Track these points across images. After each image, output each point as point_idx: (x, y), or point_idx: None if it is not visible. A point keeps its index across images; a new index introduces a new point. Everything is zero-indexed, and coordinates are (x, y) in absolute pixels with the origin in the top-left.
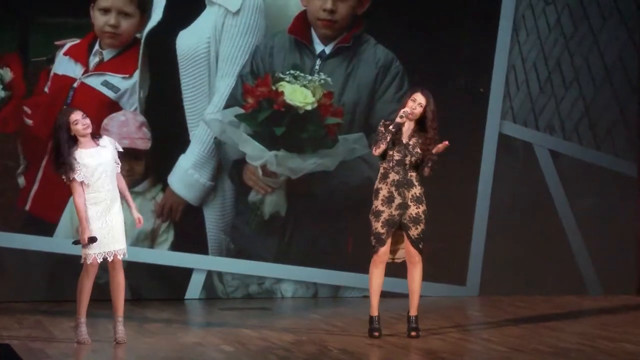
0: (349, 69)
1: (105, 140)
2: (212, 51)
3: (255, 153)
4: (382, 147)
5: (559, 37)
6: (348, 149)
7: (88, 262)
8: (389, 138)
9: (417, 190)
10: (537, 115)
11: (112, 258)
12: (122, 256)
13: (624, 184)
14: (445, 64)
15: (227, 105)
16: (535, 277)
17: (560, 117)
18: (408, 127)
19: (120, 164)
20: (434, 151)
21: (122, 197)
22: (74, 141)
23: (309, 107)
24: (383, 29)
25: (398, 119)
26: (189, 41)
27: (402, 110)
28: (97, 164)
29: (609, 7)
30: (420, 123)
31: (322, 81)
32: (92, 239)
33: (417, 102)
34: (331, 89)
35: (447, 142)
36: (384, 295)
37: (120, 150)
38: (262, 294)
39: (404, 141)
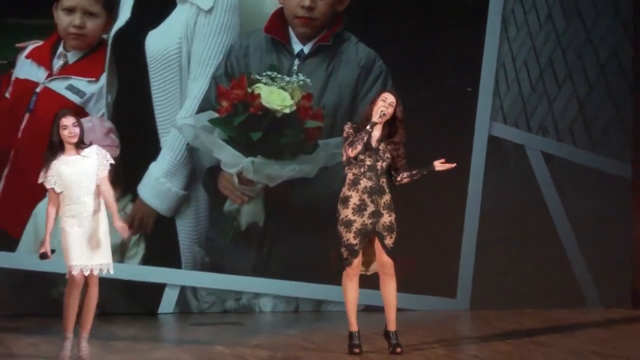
0: (329, 69)
1: (91, 150)
2: (184, 52)
3: (231, 160)
4: (359, 147)
5: (550, 32)
6: (329, 154)
7: (74, 273)
8: (365, 138)
9: (388, 197)
10: (529, 116)
11: (93, 272)
12: (106, 271)
13: (619, 186)
14: (431, 63)
15: (201, 109)
16: (528, 288)
17: (554, 117)
18: (378, 128)
19: (104, 175)
20: (436, 168)
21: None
22: (60, 145)
23: (287, 110)
24: (365, 26)
25: (376, 119)
26: (159, 42)
27: (380, 110)
28: (71, 173)
29: (603, 1)
30: (388, 126)
31: (301, 82)
32: (43, 255)
33: (387, 102)
34: (311, 90)
35: (454, 164)
36: (366, 309)
37: (111, 162)
38: (240, 309)
39: (374, 145)
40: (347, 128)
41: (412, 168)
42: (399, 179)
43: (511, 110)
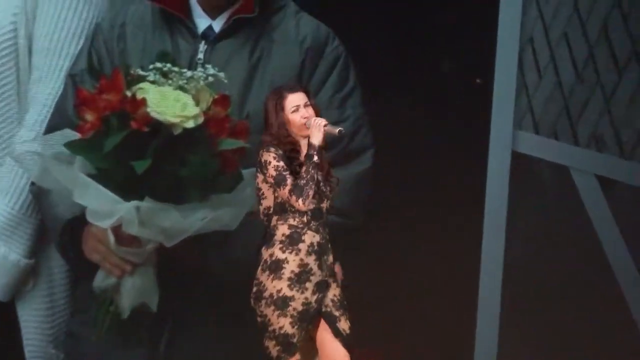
0: (255, 57)
1: None
2: (22, 37)
3: (103, 207)
4: (312, 192)
5: None
6: None
7: None
8: (316, 176)
9: (331, 255)
10: (575, 121)
11: None
12: None
13: None
14: (421, 45)
15: (51, 128)
16: None
17: (614, 123)
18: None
19: None
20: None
21: None
22: None
23: (190, 124)
24: None
25: (317, 139)
26: None
27: (325, 127)
28: None
29: None
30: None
31: (211, 79)
32: None
33: (301, 106)
34: (227, 91)
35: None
36: None
37: None
38: None
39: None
40: (273, 156)
41: None
42: None
43: (546, 112)
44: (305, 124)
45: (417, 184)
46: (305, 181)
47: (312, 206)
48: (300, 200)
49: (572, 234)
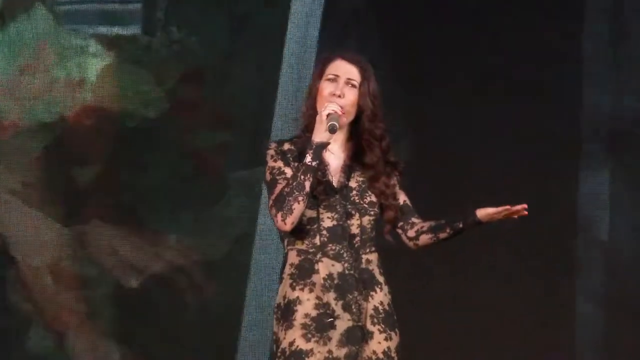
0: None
1: None
2: None
3: None
4: (301, 206)
5: None
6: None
7: None
8: (307, 184)
9: (382, 291)
10: None
11: None
12: None
13: None
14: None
15: None
16: None
17: None
18: (339, 146)
19: None
20: (485, 219)
21: None
22: None
23: (149, 112)
24: None
25: (322, 134)
26: None
27: (328, 109)
28: None
29: None
30: (356, 128)
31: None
32: None
33: (342, 80)
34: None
35: (524, 205)
36: None
37: None
38: None
39: (337, 181)
40: (271, 154)
41: (433, 215)
42: (411, 234)
43: None
44: (327, 112)
45: (486, 192)
46: (289, 190)
47: (293, 225)
48: (279, 216)
49: None
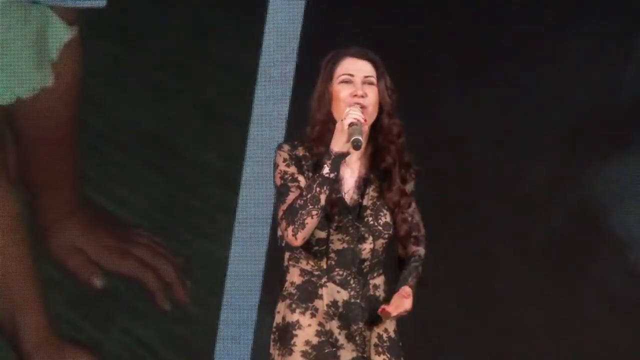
0: None
1: None
2: None
3: None
4: (314, 221)
5: None
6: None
7: None
8: (323, 197)
9: (389, 321)
10: None
11: None
12: None
13: None
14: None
15: None
16: None
17: None
18: (357, 153)
19: None
20: (393, 312)
21: None
22: None
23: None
24: None
25: (342, 144)
26: None
27: (349, 115)
28: None
29: None
30: (376, 134)
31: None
32: None
33: (358, 78)
34: None
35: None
36: None
37: None
38: None
39: (350, 198)
40: (283, 158)
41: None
42: (400, 253)
43: None
44: (348, 118)
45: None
46: (302, 202)
47: (304, 241)
48: (290, 230)
49: None
